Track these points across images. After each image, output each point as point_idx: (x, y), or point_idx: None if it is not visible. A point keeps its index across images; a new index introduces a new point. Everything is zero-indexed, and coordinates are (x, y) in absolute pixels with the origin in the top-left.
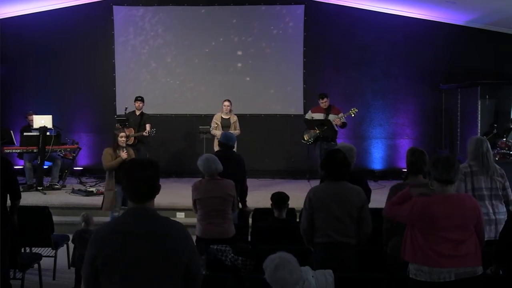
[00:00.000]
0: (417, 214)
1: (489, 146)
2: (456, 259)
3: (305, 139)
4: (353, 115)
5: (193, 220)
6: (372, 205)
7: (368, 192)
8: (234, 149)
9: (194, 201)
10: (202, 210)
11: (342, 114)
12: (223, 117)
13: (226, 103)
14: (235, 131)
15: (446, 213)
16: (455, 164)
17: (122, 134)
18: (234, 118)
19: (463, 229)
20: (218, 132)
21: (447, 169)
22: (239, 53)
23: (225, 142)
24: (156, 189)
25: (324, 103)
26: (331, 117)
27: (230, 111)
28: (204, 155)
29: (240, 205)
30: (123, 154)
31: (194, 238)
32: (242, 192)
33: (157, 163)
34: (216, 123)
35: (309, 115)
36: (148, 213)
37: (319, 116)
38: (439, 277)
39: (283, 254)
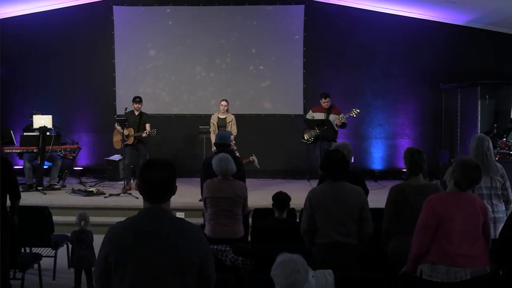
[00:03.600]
0: (433, 211)
1: (490, 144)
2: (471, 259)
3: (305, 138)
4: (354, 116)
5: (194, 220)
6: (372, 205)
7: (366, 192)
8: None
9: (205, 199)
10: (211, 209)
11: (343, 115)
12: (220, 117)
13: (223, 102)
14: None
15: (460, 211)
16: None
17: None
18: (230, 118)
19: (476, 228)
20: (214, 137)
21: (472, 182)
22: (239, 53)
23: (220, 142)
24: (170, 190)
25: (326, 102)
26: (332, 117)
27: (227, 110)
28: (219, 155)
29: None
30: None
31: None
32: None
33: (173, 164)
34: (213, 123)
35: (310, 114)
36: (162, 214)
37: (320, 116)
38: (456, 276)
39: (294, 256)
